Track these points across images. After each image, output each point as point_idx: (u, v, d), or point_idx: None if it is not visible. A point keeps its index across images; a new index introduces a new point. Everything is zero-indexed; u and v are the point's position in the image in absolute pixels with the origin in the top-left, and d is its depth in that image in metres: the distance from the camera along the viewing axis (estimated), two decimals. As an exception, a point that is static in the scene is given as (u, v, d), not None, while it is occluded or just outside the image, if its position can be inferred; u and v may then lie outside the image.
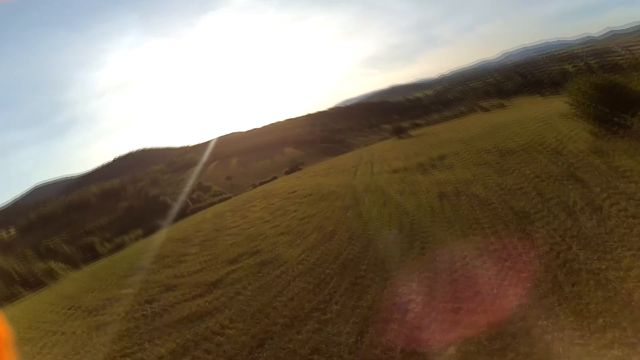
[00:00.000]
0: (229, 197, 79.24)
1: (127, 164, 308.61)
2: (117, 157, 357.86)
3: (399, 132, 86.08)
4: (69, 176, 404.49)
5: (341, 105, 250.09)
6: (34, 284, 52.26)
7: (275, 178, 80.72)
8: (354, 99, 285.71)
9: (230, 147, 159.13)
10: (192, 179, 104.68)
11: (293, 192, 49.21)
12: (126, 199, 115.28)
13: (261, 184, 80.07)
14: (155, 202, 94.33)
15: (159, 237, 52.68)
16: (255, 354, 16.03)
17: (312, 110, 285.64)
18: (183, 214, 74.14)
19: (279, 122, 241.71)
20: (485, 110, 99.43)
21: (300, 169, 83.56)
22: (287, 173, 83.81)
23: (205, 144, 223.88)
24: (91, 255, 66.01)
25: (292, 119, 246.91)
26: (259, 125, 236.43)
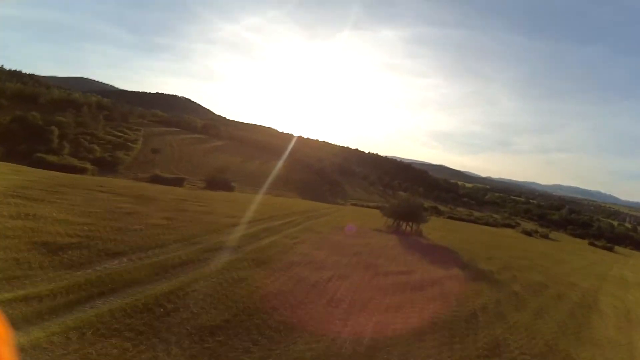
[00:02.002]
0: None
1: (162, 102, 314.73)
2: (159, 92, 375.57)
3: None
4: (113, 86, 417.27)
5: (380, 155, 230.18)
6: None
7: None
8: (399, 158, 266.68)
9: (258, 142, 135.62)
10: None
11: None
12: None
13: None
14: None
15: None
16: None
17: (355, 145, 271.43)
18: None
19: (319, 141, 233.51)
20: (528, 234, 74.53)
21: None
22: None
23: (240, 124, 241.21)
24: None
25: (330, 143, 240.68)
26: (305, 136, 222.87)
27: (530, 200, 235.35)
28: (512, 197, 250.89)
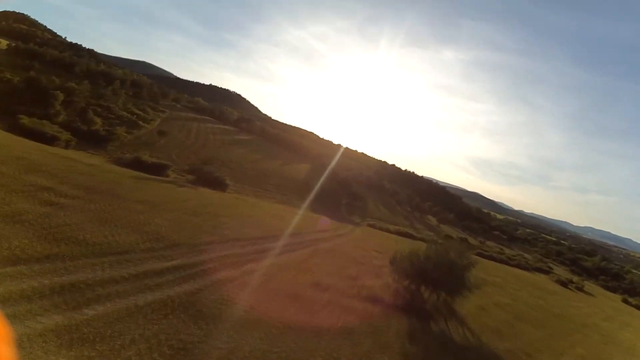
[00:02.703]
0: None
1: (215, 95, 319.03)
2: (212, 84, 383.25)
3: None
4: (172, 73, 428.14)
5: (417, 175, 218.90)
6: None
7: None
8: (434, 180, 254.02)
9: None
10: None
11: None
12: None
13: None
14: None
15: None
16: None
17: (393, 161, 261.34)
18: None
19: (358, 152, 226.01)
20: (563, 284, 64.47)
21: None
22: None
23: (282, 125, 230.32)
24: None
25: (368, 155, 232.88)
26: (346, 145, 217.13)
27: (561, 241, 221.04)
28: (543, 235, 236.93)
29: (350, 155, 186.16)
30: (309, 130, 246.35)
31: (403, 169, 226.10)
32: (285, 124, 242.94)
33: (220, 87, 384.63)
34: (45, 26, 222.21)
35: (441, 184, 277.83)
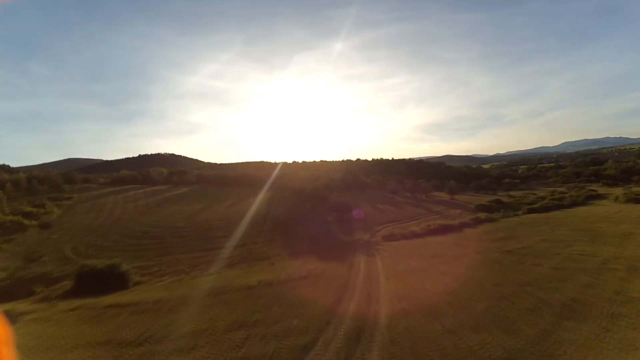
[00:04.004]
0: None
1: (148, 162, 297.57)
2: (142, 154, 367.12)
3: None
4: (101, 159, 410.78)
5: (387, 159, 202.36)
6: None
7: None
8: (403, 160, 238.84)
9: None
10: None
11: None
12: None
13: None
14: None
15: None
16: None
17: (356, 157, 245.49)
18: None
19: (315, 162, 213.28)
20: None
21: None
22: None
23: (228, 165, 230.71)
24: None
25: (328, 160, 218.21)
26: (299, 160, 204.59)
27: (560, 164, 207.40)
28: (540, 165, 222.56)
29: (308, 167, 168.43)
30: (257, 160, 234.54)
31: (370, 159, 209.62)
32: (233, 163, 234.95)
33: (150, 154, 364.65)
34: None
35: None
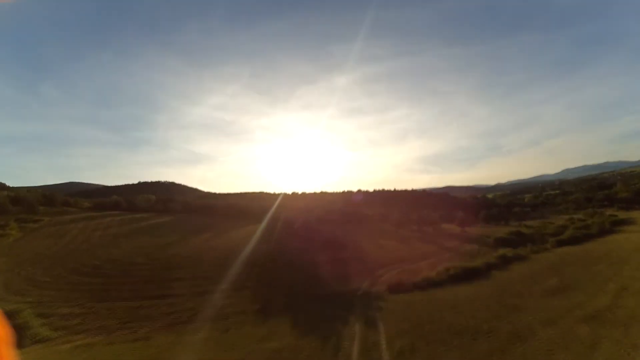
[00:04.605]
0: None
1: (145, 189, 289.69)
2: (142, 181, 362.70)
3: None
4: (102, 184, 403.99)
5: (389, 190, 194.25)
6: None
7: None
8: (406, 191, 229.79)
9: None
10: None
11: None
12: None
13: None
14: None
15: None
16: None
17: (357, 188, 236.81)
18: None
19: (318, 192, 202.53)
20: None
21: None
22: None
23: (226, 195, 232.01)
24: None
25: (330, 192, 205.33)
26: (299, 191, 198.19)
27: (566, 190, 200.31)
28: (545, 193, 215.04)
29: (310, 197, 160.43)
30: (257, 191, 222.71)
31: (371, 190, 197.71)
32: (231, 193, 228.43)
33: (150, 181, 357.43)
34: None
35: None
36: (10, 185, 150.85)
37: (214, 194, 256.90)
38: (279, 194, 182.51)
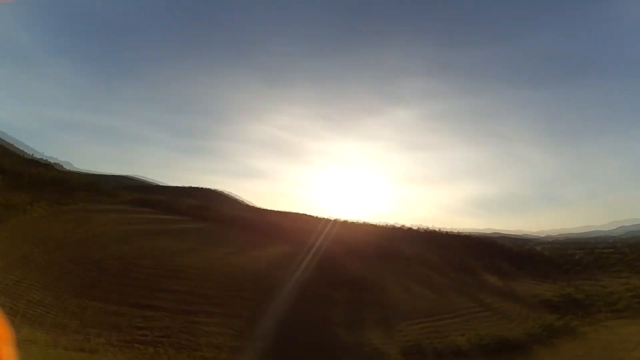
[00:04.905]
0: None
1: (195, 194, 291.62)
2: (194, 186, 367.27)
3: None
4: (157, 183, 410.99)
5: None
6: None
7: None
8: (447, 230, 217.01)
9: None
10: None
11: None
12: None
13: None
14: None
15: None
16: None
17: (401, 223, 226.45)
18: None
19: (361, 222, 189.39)
20: None
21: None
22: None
23: (270, 212, 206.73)
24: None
25: (372, 224, 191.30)
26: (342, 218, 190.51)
27: (622, 250, 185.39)
28: (599, 249, 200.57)
29: (351, 226, 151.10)
30: (301, 212, 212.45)
31: (415, 227, 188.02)
32: (273, 210, 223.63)
33: (201, 187, 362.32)
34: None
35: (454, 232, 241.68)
36: (74, 167, 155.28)
37: (258, 209, 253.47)
38: (320, 218, 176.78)
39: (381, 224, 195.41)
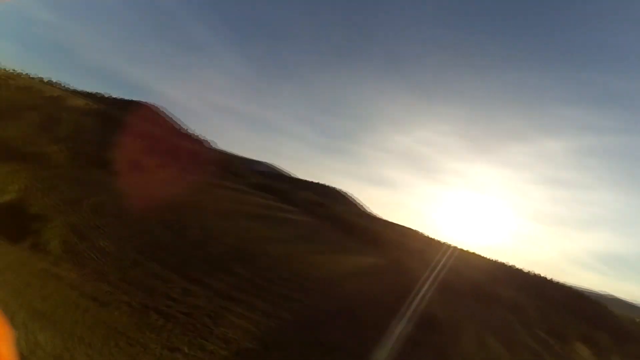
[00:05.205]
0: None
1: (319, 190, 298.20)
2: (322, 183, 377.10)
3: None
4: (290, 173, 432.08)
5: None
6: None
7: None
8: (557, 282, 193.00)
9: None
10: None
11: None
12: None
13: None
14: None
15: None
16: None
17: (511, 262, 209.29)
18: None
19: (470, 252, 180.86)
20: None
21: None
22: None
23: (385, 222, 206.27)
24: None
25: (481, 255, 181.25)
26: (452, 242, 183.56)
27: None
28: None
29: (458, 255, 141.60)
30: (414, 228, 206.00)
31: (526, 270, 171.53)
32: (388, 221, 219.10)
33: (327, 185, 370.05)
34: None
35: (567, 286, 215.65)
36: (216, 147, 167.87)
37: (372, 216, 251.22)
38: (431, 239, 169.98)
39: (490, 258, 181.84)
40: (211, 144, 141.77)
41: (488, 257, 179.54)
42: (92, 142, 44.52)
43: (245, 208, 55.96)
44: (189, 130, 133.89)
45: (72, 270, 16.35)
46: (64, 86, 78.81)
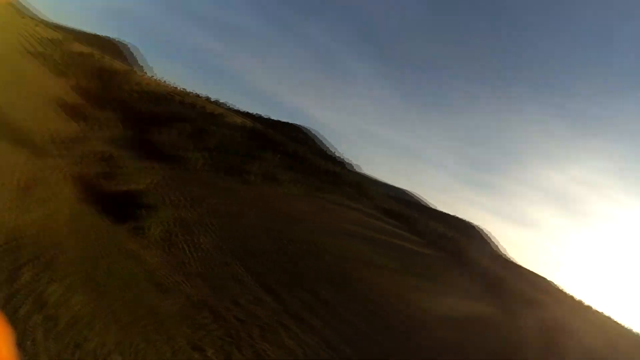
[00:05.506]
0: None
1: (455, 223, 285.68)
2: (457, 216, 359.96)
3: None
4: (428, 202, 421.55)
5: None
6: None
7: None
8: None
9: None
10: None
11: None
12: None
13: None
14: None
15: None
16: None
17: None
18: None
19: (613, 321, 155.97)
20: None
21: None
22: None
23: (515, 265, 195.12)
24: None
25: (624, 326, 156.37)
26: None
27: None
28: None
29: (590, 320, 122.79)
30: (548, 279, 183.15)
31: None
32: (520, 266, 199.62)
33: (462, 219, 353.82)
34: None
35: None
36: (361, 170, 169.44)
37: (502, 258, 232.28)
38: (565, 294, 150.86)
39: (621, 323, 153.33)
40: (354, 167, 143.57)
41: (621, 322, 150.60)
42: (236, 153, 48.47)
43: (360, 230, 54.86)
44: (336, 153, 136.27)
45: (158, 256, 17.63)
46: (228, 105, 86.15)
